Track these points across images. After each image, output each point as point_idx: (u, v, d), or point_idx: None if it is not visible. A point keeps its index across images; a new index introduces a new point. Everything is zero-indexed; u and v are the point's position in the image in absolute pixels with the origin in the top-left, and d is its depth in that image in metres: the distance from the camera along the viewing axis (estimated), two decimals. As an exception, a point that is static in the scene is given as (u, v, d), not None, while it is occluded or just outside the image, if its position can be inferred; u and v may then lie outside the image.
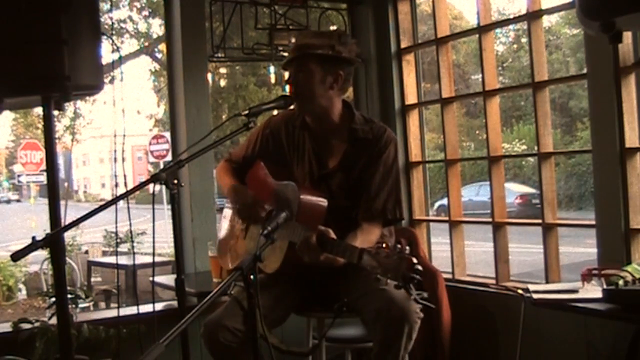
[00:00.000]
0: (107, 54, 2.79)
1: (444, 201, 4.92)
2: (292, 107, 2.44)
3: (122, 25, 15.21)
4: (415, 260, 1.82)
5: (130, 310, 3.12)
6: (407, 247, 1.91)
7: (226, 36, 3.72)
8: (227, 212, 2.71)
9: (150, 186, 2.07)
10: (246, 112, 2.24)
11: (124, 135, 2.99)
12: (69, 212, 2.66)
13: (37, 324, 2.90)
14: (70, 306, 2.73)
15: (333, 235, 2.16)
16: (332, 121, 2.49)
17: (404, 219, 2.65)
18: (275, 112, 2.64)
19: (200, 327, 2.30)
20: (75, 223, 2.02)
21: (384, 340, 2.17)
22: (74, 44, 2.27)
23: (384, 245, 1.96)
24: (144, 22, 16.03)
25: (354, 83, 4.18)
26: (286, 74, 2.49)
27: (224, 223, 2.72)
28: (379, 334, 2.19)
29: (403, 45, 4.04)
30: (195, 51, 3.59)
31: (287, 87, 2.46)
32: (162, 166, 13.48)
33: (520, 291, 2.96)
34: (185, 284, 2.16)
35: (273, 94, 13.95)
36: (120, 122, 3.00)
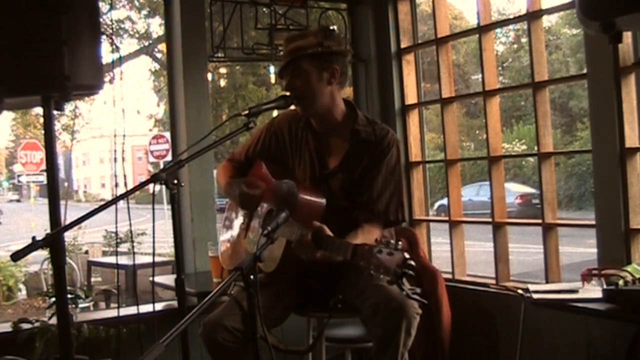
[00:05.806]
0: (106, 54, 2.79)
1: (444, 201, 4.92)
2: (292, 106, 2.44)
3: (121, 25, 15.23)
4: (407, 256, 1.80)
5: (130, 310, 3.12)
6: (399, 243, 1.87)
7: (226, 36, 3.72)
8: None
9: (150, 186, 2.07)
10: (246, 112, 2.23)
11: (124, 135, 2.99)
12: (69, 212, 2.65)
13: (37, 324, 2.90)
14: (70, 306, 2.73)
15: (329, 232, 2.15)
16: (335, 120, 2.49)
17: (406, 221, 2.64)
18: (275, 112, 2.64)
19: (199, 327, 2.30)
20: (75, 223, 2.01)
21: (383, 336, 2.17)
22: (74, 44, 2.28)
23: (376, 240, 1.94)
24: (143, 21, 16.06)
25: (354, 83, 4.19)
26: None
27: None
28: (377, 329, 2.19)
29: (403, 45, 4.04)
30: (195, 51, 3.59)
31: (288, 94, 2.45)
32: (162, 166, 13.49)
33: (520, 291, 2.95)
34: (185, 284, 2.16)
35: (272, 93, 13.97)
36: (120, 122, 3.00)
